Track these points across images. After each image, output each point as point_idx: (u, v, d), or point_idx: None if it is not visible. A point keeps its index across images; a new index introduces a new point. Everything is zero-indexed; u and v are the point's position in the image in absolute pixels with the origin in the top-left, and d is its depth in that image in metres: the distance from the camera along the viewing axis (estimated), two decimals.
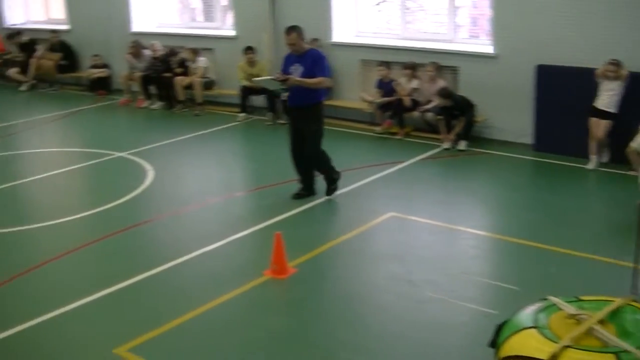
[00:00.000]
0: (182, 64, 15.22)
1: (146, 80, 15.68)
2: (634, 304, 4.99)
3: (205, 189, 10.45)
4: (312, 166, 9.52)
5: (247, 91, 14.06)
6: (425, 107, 12.29)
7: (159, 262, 7.70)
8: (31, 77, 18.10)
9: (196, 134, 13.26)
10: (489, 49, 11.94)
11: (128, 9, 16.70)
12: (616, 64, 10.08)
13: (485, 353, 5.21)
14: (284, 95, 9.86)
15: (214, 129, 13.63)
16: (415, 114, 12.45)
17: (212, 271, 7.60)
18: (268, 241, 7.48)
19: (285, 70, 9.25)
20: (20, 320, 6.53)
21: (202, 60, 15.04)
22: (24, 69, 18.21)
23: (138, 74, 15.79)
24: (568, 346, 4.50)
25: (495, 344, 4.99)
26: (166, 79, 15.25)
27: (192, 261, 7.78)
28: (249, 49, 14.13)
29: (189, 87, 15.01)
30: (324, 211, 9.24)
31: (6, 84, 18.49)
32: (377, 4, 14.11)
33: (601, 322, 4.75)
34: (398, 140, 12.34)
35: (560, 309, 4.93)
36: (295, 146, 9.42)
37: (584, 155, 10.57)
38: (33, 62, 18.05)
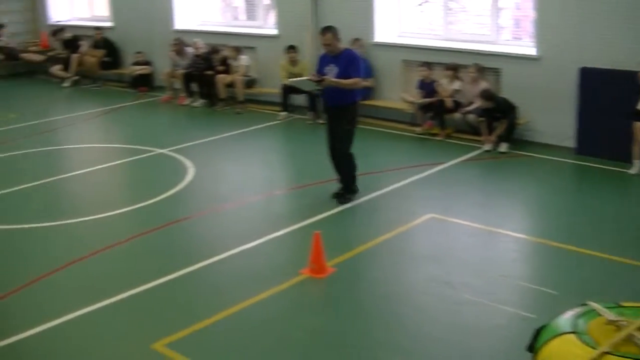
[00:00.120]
0: (224, 62, 15.30)
1: (188, 78, 15.80)
2: None
3: (245, 187, 10.51)
4: (341, 165, 9.45)
5: (288, 90, 14.04)
6: (467, 109, 12.22)
7: (197, 259, 7.77)
8: (73, 73, 18.32)
9: (237, 132, 13.32)
10: (531, 51, 11.84)
11: (171, 6, 16.84)
12: None
13: (522, 357, 5.18)
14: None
15: (255, 127, 13.68)
16: (457, 115, 12.37)
17: (250, 269, 7.63)
18: (307, 240, 7.51)
19: (321, 71, 9.25)
20: (58, 314, 6.61)
21: (244, 59, 15.12)
22: (66, 66, 18.43)
23: (180, 72, 15.91)
24: (607, 352, 4.46)
25: (533, 348, 4.96)
26: (208, 77, 15.35)
27: (231, 259, 7.83)
28: (291, 48, 14.18)
29: (230, 85, 15.08)
30: (363, 211, 9.22)
31: (49, 80, 18.73)
32: (420, 5, 14.07)
33: None
34: (439, 142, 12.28)
35: (599, 315, 4.88)
36: (332, 145, 9.44)
37: (627, 160, 10.41)
38: (75, 58, 18.27)
